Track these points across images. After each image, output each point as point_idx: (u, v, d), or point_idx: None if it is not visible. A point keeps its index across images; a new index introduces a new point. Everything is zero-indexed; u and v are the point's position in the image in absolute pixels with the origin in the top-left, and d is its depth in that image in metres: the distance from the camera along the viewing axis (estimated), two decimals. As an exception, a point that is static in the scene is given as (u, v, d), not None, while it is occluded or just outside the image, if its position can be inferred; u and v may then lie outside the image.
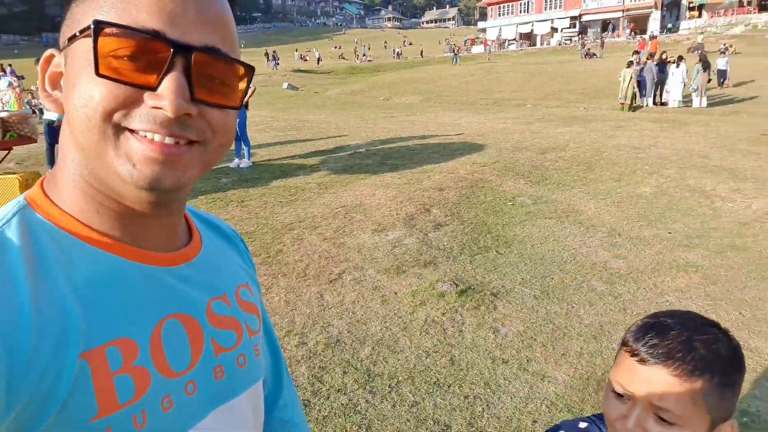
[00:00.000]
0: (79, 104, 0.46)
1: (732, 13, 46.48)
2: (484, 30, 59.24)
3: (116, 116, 0.45)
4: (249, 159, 7.39)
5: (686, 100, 15.19)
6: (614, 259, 4.18)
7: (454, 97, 21.52)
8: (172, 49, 0.45)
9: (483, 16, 62.38)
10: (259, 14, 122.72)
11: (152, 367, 0.49)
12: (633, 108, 14.75)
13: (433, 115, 15.30)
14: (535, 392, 2.50)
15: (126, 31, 0.44)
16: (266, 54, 45.12)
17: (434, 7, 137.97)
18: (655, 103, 15.54)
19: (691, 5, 49.03)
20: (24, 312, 0.42)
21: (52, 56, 0.51)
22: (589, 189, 6.17)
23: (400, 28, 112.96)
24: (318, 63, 47.03)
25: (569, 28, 52.12)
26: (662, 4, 50.20)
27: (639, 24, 48.58)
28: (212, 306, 0.57)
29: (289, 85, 26.42)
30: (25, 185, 4.90)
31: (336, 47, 69.01)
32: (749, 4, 46.46)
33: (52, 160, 7.63)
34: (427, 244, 4.38)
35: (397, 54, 52.72)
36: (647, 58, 17.94)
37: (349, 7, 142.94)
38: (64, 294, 0.45)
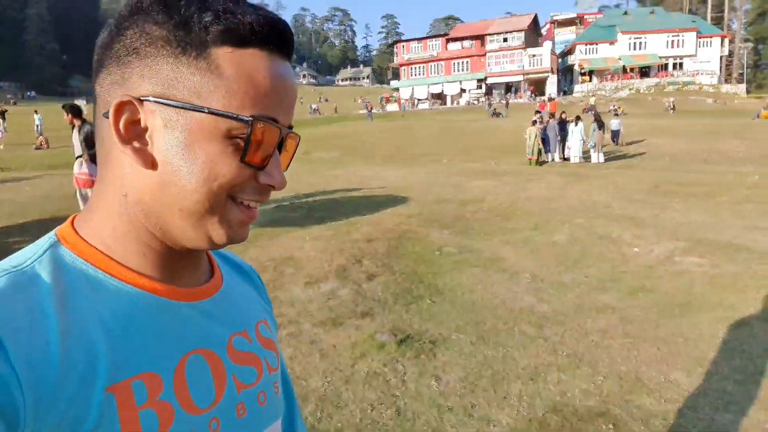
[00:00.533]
0: (204, 177, 0.49)
1: (618, 79, 52.21)
2: (397, 89, 62.03)
3: (233, 191, 0.51)
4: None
5: (586, 155, 16.63)
6: (539, 303, 4.39)
7: (373, 152, 22.11)
8: (280, 133, 0.52)
9: (396, 76, 65.34)
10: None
11: (176, 402, 0.50)
12: (540, 163, 15.91)
13: (354, 168, 15.59)
14: (484, 437, 2.52)
15: (267, 124, 0.50)
16: None
17: (348, 66, 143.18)
18: (560, 158, 16.90)
19: (582, 71, 54.58)
20: (52, 346, 0.43)
21: (128, 103, 0.50)
22: (508, 238, 6.50)
23: (315, 85, 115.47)
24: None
25: (476, 89, 55.91)
26: (558, 69, 55.51)
27: (538, 87, 53.19)
28: (233, 342, 0.58)
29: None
30: None
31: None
32: (632, 71, 52.51)
33: None
34: (362, 295, 4.39)
35: (315, 110, 53.74)
36: (549, 118, 19.56)
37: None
38: (92, 328, 0.46)
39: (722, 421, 2.64)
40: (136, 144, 0.50)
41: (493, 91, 54.76)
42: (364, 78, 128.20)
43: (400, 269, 5.20)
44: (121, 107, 0.49)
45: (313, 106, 55.36)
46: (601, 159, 16.25)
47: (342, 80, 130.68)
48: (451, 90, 56.94)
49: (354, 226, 6.81)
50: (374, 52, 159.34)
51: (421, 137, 26.79)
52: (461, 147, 22.47)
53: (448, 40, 59.24)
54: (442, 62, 58.19)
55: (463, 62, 57.45)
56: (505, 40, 55.13)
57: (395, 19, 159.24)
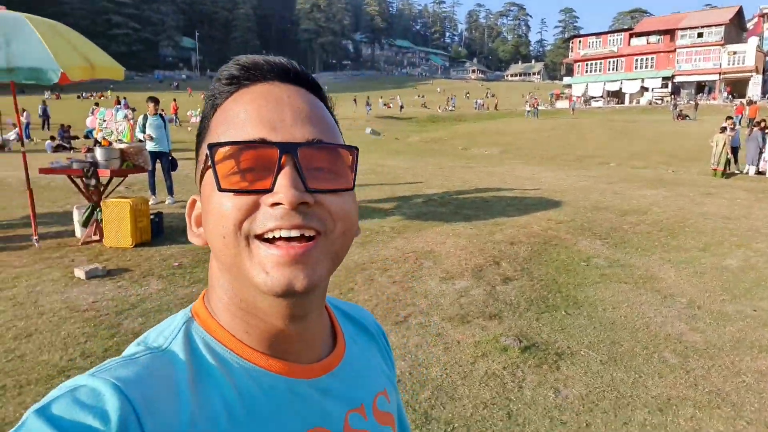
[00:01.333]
0: (212, 225, 0.50)
1: None
2: (569, 86, 58.75)
3: (244, 226, 0.48)
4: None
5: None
6: (691, 332, 4.01)
7: (534, 151, 21.40)
8: (278, 150, 0.48)
9: (569, 72, 61.91)
10: (349, 62, 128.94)
11: None
12: (727, 175, 14.02)
13: (511, 167, 15.29)
14: (593, 458, 2.47)
15: (235, 146, 0.48)
16: (354, 100, 47.53)
17: (519, 61, 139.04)
18: (756, 172, 14.71)
19: (799, 70, 46.30)
20: (184, 426, 0.45)
21: (195, 201, 0.56)
22: (670, 256, 5.95)
23: (483, 80, 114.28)
24: (400, 110, 48.50)
25: (661, 87, 50.63)
26: (764, 68, 47.69)
27: (737, 87, 46.37)
28: (349, 419, 0.58)
29: (372, 130, 27.42)
30: (134, 209, 5.48)
31: (419, 96, 70.95)
32: None
33: (153, 187, 8.41)
34: (494, 297, 4.43)
35: (480, 105, 53.40)
36: (753, 126, 16.87)
37: (435, 58, 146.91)
38: (217, 409, 0.48)
39: None
40: (198, 230, 0.55)
41: (681, 90, 49.08)
42: (534, 74, 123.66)
43: (539, 276, 5.10)
44: (190, 208, 0.57)
45: (479, 101, 55.08)
46: None
47: (511, 75, 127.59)
48: (630, 88, 52.29)
49: (499, 226, 6.79)
50: (548, 48, 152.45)
51: (588, 138, 25.18)
52: (634, 151, 20.68)
53: (631, 35, 54.39)
54: (623, 58, 53.66)
55: (647, 58, 52.36)
56: (699, 35, 48.92)
57: (574, 14, 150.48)
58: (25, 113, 23.22)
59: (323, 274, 0.50)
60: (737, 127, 15.83)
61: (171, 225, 6.55)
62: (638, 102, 50.74)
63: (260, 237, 0.48)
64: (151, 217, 5.86)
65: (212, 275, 0.55)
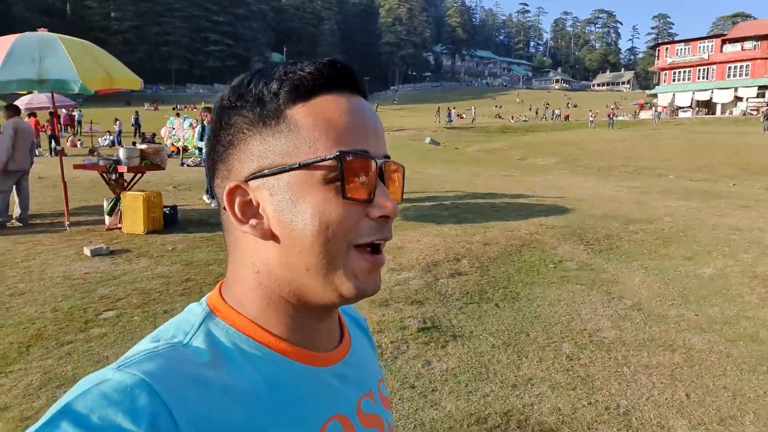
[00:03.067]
0: (317, 228, 0.49)
1: None
2: (655, 95, 55.76)
3: (349, 234, 0.50)
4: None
5: None
6: (610, 329, 4.13)
7: (593, 162, 20.82)
8: (376, 164, 0.52)
9: (658, 81, 58.75)
10: (429, 74, 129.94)
11: None
12: None
13: (554, 177, 15.11)
14: (418, 416, 2.80)
15: (357, 156, 0.50)
16: (438, 109, 48.51)
17: (608, 70, 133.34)
18: None
19: None
20: (215, 414, 0.46)
21: (237, 187, 0.54)
22: (650, 264, 5.92)
23: (567, 90, 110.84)
24: (473, 121, 48.44)
25: (757, 97, 46.80)
26: None
27: None
28: (362, 404, 0.60)
29: (431, 140, 27.81)
30: (147, 201, 6.34)
31: (496, 107, 70.29)
32: None
33: (212, 191, 9.31)
34: (430, 288, 4.76)
35: (557, 116, 52.07)
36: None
37: (517, 68, 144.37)
38: (245, 397, 0.49)
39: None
40: (253, 221, 0.53)
41: (782, 100, 45.08)
42: (623, 83, 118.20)
43: (494, 273, 5.34)
44: (231, 193, 0.53)
45: (556, 112, 53.71)
46: None
47: (598, 85, 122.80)
48: (722, 98, 48.83)
49: (486, 229, 7.02)
50: (640, 56, 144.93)
51: (658, 149, 24.06)
52: (703, 163, 19.59)
53: (724, 41, 50.81)
54: (714, 66, 50.27)
55: (741, 66, 48.74)
56: (804, 39, 44.78)
57: (669, 20, 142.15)
58: (118, 122, 25.92)
59: None
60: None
61: (190, 218, 7.41)
62: (731, 112, 47.23)
63: (357, 246, 0.51)
64: (165, 209, 6.71)
65: (259, 267, 0.54)
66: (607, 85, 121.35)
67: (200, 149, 9.40)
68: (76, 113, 26.44)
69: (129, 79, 6.23)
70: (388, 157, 0.55)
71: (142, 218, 6.32)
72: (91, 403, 0.41)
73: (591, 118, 39.90)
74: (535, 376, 3.29)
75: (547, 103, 66.11)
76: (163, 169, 7.25)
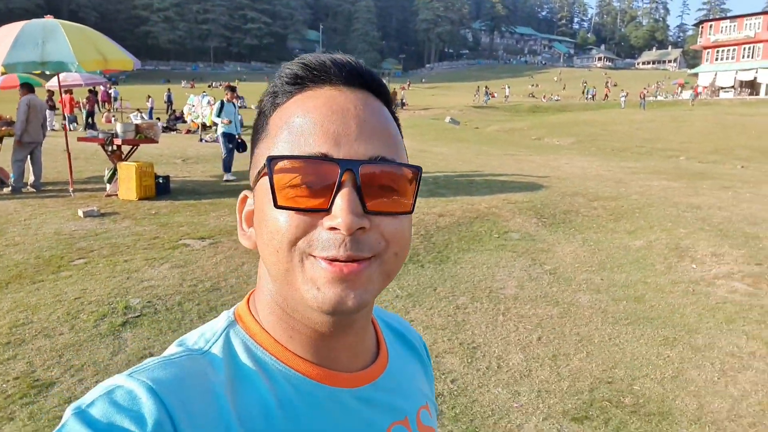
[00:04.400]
0: (267, 238, 0.48)
1: None
2: (696, 74, 53.74)
3: (300, 244, 0.47)
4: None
5: None
6: (513, 288, 4.64)
7: (609, 143, 20.70)
8: (339, 168, 0.46)
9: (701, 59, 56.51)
10: (466, 51, 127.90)
11: None
12: None
13: (557, 157, 15.27)
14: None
15: (296, 161, 0.47)
16: (478, 88, 48.17)
17: (654, 48, 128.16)
18: None
19: None
20: (220, 427, 0.45)
21: (246, 197, 0.55)
22: (592, 236, 6.32)
23: (610, 68, 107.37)
24: (506, 100, 47.99)
25: (806, 76, 44.60)
26: None
27: None
28: (392, 431, 0.57)
29: (451, 119, 27.97)
30: (139, 171, 7.12)
31: (533, 85, 69.06)
32: None
33: (228, 167, 9.46)
34: (366, 250, 5.34)
35: (592, 96, 50.96)
36: None
37: (559, 46, 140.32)
38: (256, 416, 0.48)
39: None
40: (249, 230, 0.55)
41: (833, 79, 42.87)
42: (670, 61, 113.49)
43: (436, 240, 5.88)
44: (241, 203, 0.56)
45: (591, 91, 52.54)
46: None
47: (643, 63, 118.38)
48: (767, 78, 46.64)
49: (448, 203, 7.51)
50: (689, 32, 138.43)
51: (683, 131, 23.63)
52: (721, 145, 19.30)
53: (773, 17, 48.33)
54: (761, 44, 47.94)
55: (791, 44, 46.28)
56: None
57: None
58: (150, 99, 27.13)
59: (373, 293, 0.49)
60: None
61: (184, 189, 8.19)
62: (778, 93, 45.20)
63: (315, 255, 0.47)
64: (159, 178, 7.49)
65: (260, 277, 0.55)
66: (653, 63, 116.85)
67: (217, 125, 10.10)
68: (112, 91, 27.81)
69: (123, 60, 6.96)
70: (382, 159, 0.49)
71: (134, 186, 7.11)
72: (101, 408, 0.42)
73: (623, 98, 38.99)
74: (417, 318, 3.86)
75: (585, 82, 64.53)
76: (156, 142, 8.03)
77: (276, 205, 0.46)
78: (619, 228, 6.63)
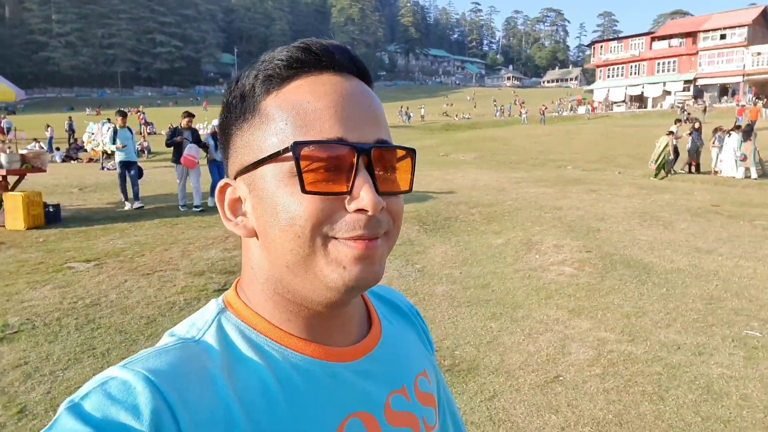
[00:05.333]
0: (284, 225, 0.48)
1: None
2: (591, 91, 58.51)
3: (323, 229, 0.48)
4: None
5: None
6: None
7: (508, 156, 22.28)
8: (356, 152, 0.47)
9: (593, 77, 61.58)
10: (384, 73, 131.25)
11: None
12: (658, 175, 14.75)
13: (455, 171, 16.33)
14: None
15: (319, 145, 0.47)
16: (401, 108, 49.24)
17: (557, 67, 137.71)
18: (687, 170, 15.43)
19: (829, 71, 44.79)
20: (218, 413, 0.45)
21: (226, 186, 0.54)
22: (465, 238, 7.07)
23: (518, 87, 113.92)
24: (422, 119, 49.81)
25: (683, 91, 49.86)
26: (792, 68, 46.24)
27: (764, 89, 45.16)
28: (391, 401, 0.57)
29: (364, 138, 28.79)
30: (26, 200, 7.11)
31: (447, 104, 72.02)
32: None
33: (125, 192, 9.21)
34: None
35: (501, 112, 54.04)
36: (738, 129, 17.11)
37: (471, 66, 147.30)
38: (254, 396, 0.48)
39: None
40: (238, 219, 0.53)
41: (705, 93, 48.23)
42: (571, 79, 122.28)
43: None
44: (221, 191, 0.54)
45: (499, 109, 55.72)
46: (753, 174, 14.19)
47: (548, 82, 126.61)
48: (652, 92, 51.76)
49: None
50: (587, 53, 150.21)
51: (574, 143, 25.80)
52: (606, 155, 21.31)
53: (653, 39, 53.87)
54: (645, 62, 53.21)
55: (669, 62, 51.76)
56: (722, 36, 48.06)
57: (613, 17, 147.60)
58: (49, 129, 25.95)
59: (384, 267, 0.52)
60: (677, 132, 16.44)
61: (78, 216, 8.19)
62: (661, 106, 50.09)
63: (337, 237, 0.48)
64: (47, 207, 7.49)
65: (253, 264, 0.54)
66: (557, 81, 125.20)
67: (113, 153, 10.01)
68: (3, 122, 26.35)
69: (3, 92, 6.99)
70: (385, 143, 0.51)
71: (22, 216, 7.09)
72: (96, 401, 0.42)
73: (523, 114, 41.83)
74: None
75: (495, 100, 68.21)
76: (44, 171, 8.00)
77: (303, 191, 0.46)
78: (488, 230, 7.45)
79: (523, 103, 69.72)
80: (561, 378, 3.22)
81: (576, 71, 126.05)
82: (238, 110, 0.52)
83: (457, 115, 53.68)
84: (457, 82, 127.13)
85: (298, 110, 0.49)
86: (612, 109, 52.28)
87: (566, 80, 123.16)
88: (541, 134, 30.66)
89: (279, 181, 0.48)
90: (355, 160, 0.48)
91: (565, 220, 7.70)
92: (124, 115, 9.82)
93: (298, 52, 0.50)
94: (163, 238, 6.62)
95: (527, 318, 4.21)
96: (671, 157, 15.33)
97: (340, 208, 0.48)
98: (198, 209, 8.72)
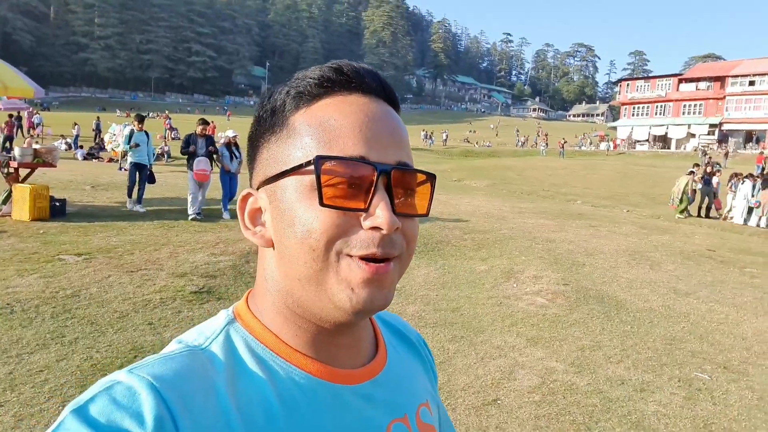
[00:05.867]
0: (301, 236, 0.49)
1: None
2: (615, 128, 58.30)
3: (337, 244, 0.48)
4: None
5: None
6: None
7: (520, 186, 22.32)
8: (376, 171, 0.49)
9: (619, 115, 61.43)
10: (411, 96, 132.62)
11: None
12: (686, 215, 14.97)
13: (462, 196, 16.42)
14: (138, 341, 3.95)
15: (341, 161, 0.48)
16: (423, 132, 49.52)
17: (584, 102, 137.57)
18: (705, 215, 15.68)
19: None
20: (220, 425, 0.46)
21: (248, 195, 0.55)
22: (449, 262, 7.16)
23: (544, 119, 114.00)
24: (444, 143, 50.13)
25: (707, 134, 49.42)
26: (820, 118, 45.64)
27: (792, 138, 44.61)
28: (392, 429, 0.57)
29: (380, 158, 29.14)
30: (34, 193, 7.43)
31: (470, 131, 72.38)
32: None
33: (131, 193, 9.40)
34: (234, 268, 5.93)
35: (522, 143, 54.13)
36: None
37: (497, 95, 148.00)
38: (256, 411, 0.48)
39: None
40: (257, 229, 0.54)
41: (730, 138, 47.73)
42: (598, 114, 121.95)
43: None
44: (242, 201, 0.55)
45: (521, 139, 55.85)
46: (763, 223, 14.05)
47: (574, 116, 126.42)
48: (676, 133, 51.41)
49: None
50: (615, 89, 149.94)
51: (590, 178, 25.74)
52: (619, 192, 21.26)
53: (680, 81, 53.62)
54: (671, 103, 52.93)
55: (695, 104, 51.41)
56: (751, 83, 47.68)
57: (644, 56, 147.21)
58: (76, 127, 26.80)
59: (393, 292, 0.52)
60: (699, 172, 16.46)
61: (83, 212, 8.51)
62: (684, 148, 49.67)
63: (350, 255, 0.49)
64: (54, 201, 7.81)
65: (266, 278, 0.55)
66: (583, 116, 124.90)
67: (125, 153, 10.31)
68: (35, 117, 27.32)
69: (23, 89, 7.38)
70: (406, 165, 0.52)
71: (28, 207, 7.41)
72: (100, 405, 0.43)
73: (543, 146, 41.86)
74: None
75: (518, 130, 68.38)
76: (54, 166, 8.36)
77: (321, 204, 0.47)
78: (476, 256, 7.53)
79: (546, 135, 69.93)
80: (499, 402, 3.30)
81: (603, 107, 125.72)
82: (267, 124, 0.54)
83: (477, 143, 53.91)
84: (483, 110, 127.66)
85: (324, 126, 0.50)
86: (635, 148, 52.00)
87: (592, 115, 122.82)
88: (558, 167, 30.64)
89: (299, 193, 0.50)
90: (375, 179, 0.49)
91: (554, 252, 7.75)
92: (141, 119, 9.98)
93: (330, 72, 0.53)
94: (156, 239, 6.85)
95: (485, 343, 4.29)
96: (690, 196, 15.36)
97: (355, 225, 0.49)
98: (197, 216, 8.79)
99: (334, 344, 0.55)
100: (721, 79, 50.25)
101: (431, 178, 0.55)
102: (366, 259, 0.48)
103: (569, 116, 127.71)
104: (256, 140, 0.56)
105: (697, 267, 7.48)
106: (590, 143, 53.94)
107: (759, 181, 14.88)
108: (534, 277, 6.27)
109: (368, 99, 0.53)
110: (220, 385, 0.48)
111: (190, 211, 8.68)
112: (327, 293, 0.49)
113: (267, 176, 0.53)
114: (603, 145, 52.53)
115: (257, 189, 0.55)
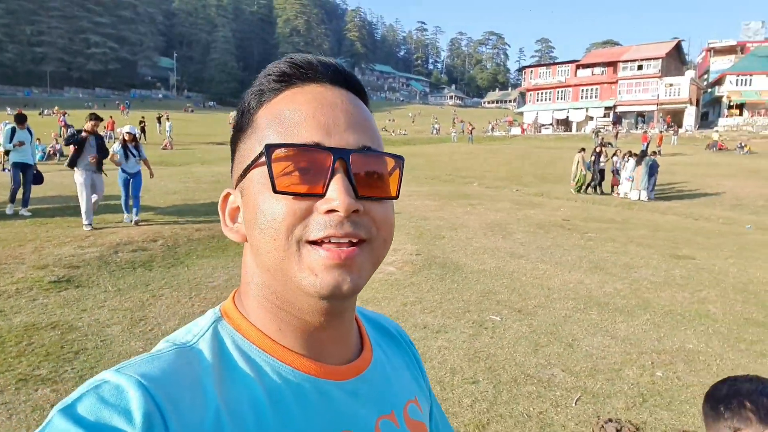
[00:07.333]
0: (263, 226, 0.50)
1: (773, 114, 45.98)
2: (522, 113, 61.46)
3: (297, 231, 0.49)
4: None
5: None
6: (222, 280, 5.69)
7: (424, 172, 23.24)
8: (332, 155, 0.49)
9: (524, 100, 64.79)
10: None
11: None
12: (582, 191, 16.84)
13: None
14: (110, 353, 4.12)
15: (292, 149, 0.49)
16: None
17: (497, 89, 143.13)
18: (599, 192, 17.40)
19: (731, 104, 49.22)
20: (207, 422, 0.46)
21: (228, 195, 0.57)
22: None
23: (460, 106, 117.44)
24: (360, 133, 50.51)
25: (603, 117, 53.31)
26: (698, 100, 50.58)
27: (676, 118, 49.05)
28: (380, 426, 0.57)
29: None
30: None
31: (389, 120, 73.37)
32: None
33: (13, 196, 8.62)
34: (101, 258, 6.10)
35: (437, 130, 55.76)
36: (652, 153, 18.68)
37: (416, 84, 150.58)
38: (244, 407, 0.49)
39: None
40: (235, 226, 0.56)
41: (623, 119, 51.82)
42: (510, 101, 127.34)
43: (181, 251, 6.79)
44: (223, 200, 0.57)
45: (436, 126, 57.50)
46: (643, 197, 15.74)
47: (488, 102, 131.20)
48: (576, 117, 55.03)
49: (218, 221, 8.49)
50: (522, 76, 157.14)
51: (492, 161, 27.21)
52: (516, 173, 22.70)
53: (578, 66, 57.35)
54: (570, 88, 56.50)
55: (592, 89, 55.23)
56: (639, 67, 51.96)
57: (550, 44, 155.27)
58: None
59: (365, 279, 0.51)
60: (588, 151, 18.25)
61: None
62: (584, 130, 53.27)
63: (310, 242, 0.49)
64: None
65: (247, 272, 0.56)
66: (497, 102, 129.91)
67: (8, 153, 9.70)
68: None
69: None
70: (369, 149, 0.52)
71: None
72: (89, 404, 0.43)
73: (453, 133, 43.52)
74: (109, 305, 4.73)
75: (435, 118, 70.23)
76: None
77: (275, 191, 0.48)
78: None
79: (462, 121, 72.33)
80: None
81: (515, 93, 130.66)
82: (239, 125, 0.56)
83: (394, 131, 54.91)
84: (402, 99, 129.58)
85: (280, 118, 0.52)
86: (540, 132, 55.13)
87: (505, 102, 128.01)
88: (465, 152, 32.08)
89: (261, 185, 0.50)
90: (331, 163, 0.49)
91: (423, 228, 8.47)
92: (22, 119, 9.23)
93: (285, 66, 0.54)
94: (24, 236, 6.84)
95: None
96: (584, 173, 16.91)
97: (313, 211, 0.49)
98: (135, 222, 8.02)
99: (319, 339, 0.55)
100: (613, 65, 54.29)
101: (399, 160, 0.55)
102: (330, 243, 0.49)
103: (484, 103, 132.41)
104: (233, 143, 0.58)
105: (545, 234, 8.46)
106: (503, 130, 56.56)
107: (634, 159, 16.61)
108: (393, 250, 6.91)
109: (324, 87, 0.54)
110: (207, 382, 0.48)
111: (85, 221, 7.53)
112: (294, 281, 0.50)
113: (238, 173, 0.55)
114: (514, 130, 55.34)
115: (234, 188, 0.56)
